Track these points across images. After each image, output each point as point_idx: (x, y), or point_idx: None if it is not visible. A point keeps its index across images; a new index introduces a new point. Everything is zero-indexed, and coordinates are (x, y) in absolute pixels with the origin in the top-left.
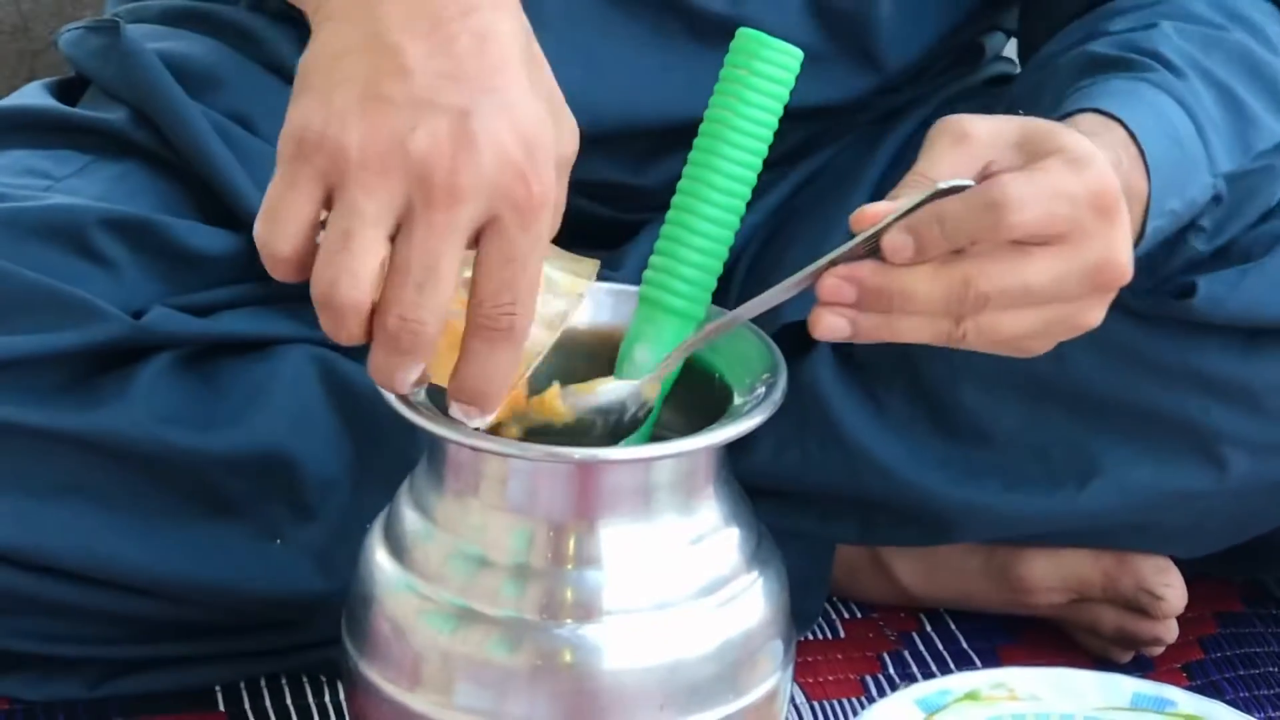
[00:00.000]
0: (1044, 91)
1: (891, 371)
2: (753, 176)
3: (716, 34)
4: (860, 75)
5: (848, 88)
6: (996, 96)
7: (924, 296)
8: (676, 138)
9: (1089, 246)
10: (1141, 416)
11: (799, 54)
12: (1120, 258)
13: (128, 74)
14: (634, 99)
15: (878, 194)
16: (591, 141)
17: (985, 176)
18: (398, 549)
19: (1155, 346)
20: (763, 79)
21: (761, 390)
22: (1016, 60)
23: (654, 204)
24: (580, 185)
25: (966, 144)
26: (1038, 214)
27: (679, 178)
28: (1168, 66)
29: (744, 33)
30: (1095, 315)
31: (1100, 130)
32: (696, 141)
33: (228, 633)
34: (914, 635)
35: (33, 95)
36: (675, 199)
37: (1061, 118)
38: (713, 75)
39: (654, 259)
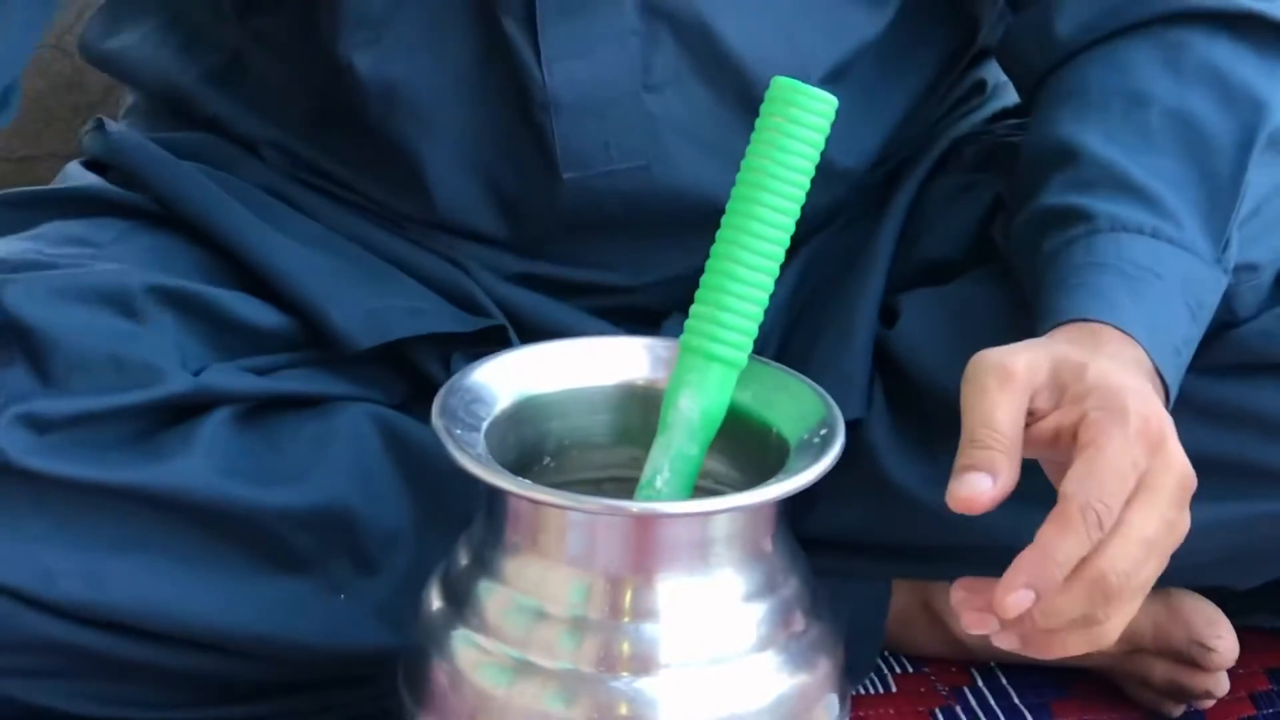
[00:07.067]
0: (1019, 205)
1: (948, 429)
2: (790, 222)
3: None
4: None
5: (811, 200)
6: (999, 146)
7: (1064, 606)
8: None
9: (1164, 480)
10: (1201, 461)
11: (834, 101)
12: (1188, 469)
13: (142, 170)
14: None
15: (902, 270)
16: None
17: (1030, 421)
18: (455, 601)
19: (1212, 392)
20: (799, 125)
21: (818, 444)
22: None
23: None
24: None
25: (1010, 382)
26: (1113, 496)
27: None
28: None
29: (779, 81)
30: (1185, 523)
31: (1099, 340)
32: (734, 190)
33: (288, 691)
34: (966, 690)
35: (71, 178)
36: (715, 247)
37: (1054, 324)
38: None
39: (695, 308)
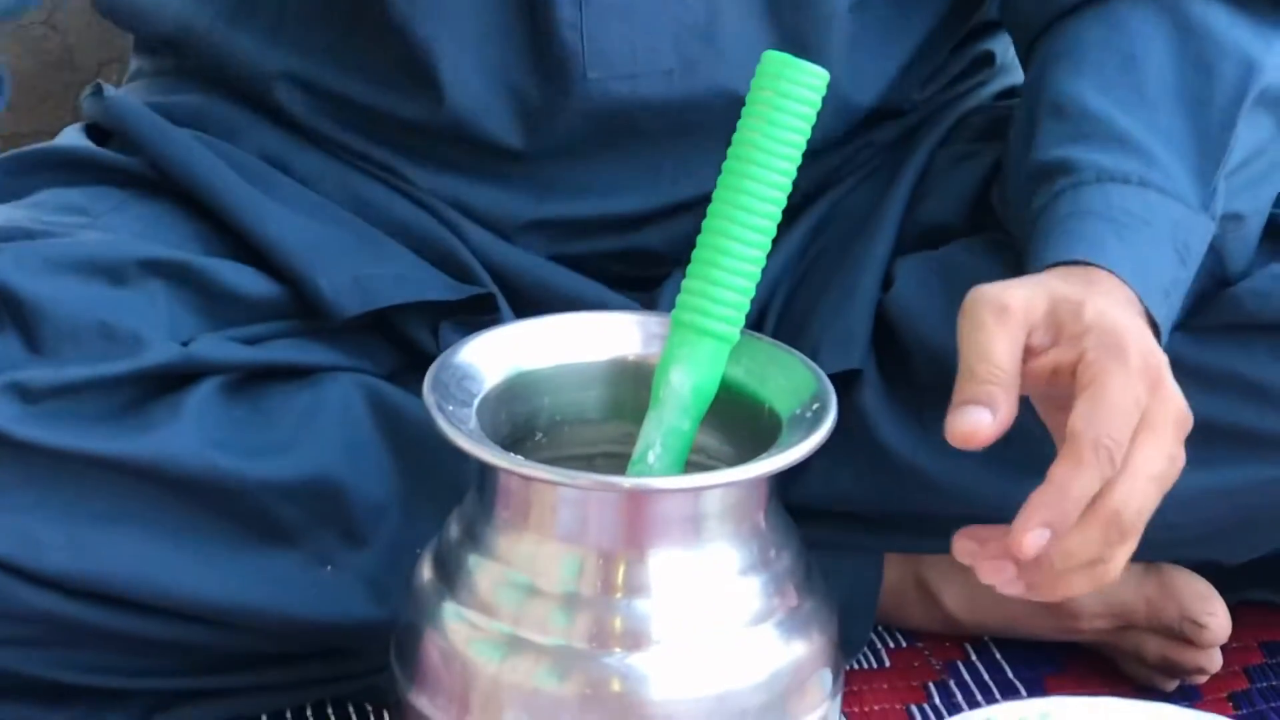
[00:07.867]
0: (1014, 167)
1: (939, 394)
2: (782, 196)
3: None
4: (829, 119)
5: (821, 133)
6: (1002, 117)
7: (1080, 546)
8: None
9: (1165, 417)
10: (1196, 426)
11: (825, 74)
12: (1184, 405)
13: (138, 135)
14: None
15: (902, 233)
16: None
17: (1027, 357)
18: (447, 577)
19: (1204, 356)
20: (788, 99)
21: (811, 418)
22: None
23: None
24: None
25: (1007, 318)
26: (1120, 431)
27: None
28: (1107, 142)
29: (769, 55)
30: (1183, 458)
31: (1091, 279)
32: (725, 164)
33: (277, 662)
34: (959, 664)
35: (69, 138)
36: (705, 222)
37: (1043, 269)
38: None
39: (687, 282)
